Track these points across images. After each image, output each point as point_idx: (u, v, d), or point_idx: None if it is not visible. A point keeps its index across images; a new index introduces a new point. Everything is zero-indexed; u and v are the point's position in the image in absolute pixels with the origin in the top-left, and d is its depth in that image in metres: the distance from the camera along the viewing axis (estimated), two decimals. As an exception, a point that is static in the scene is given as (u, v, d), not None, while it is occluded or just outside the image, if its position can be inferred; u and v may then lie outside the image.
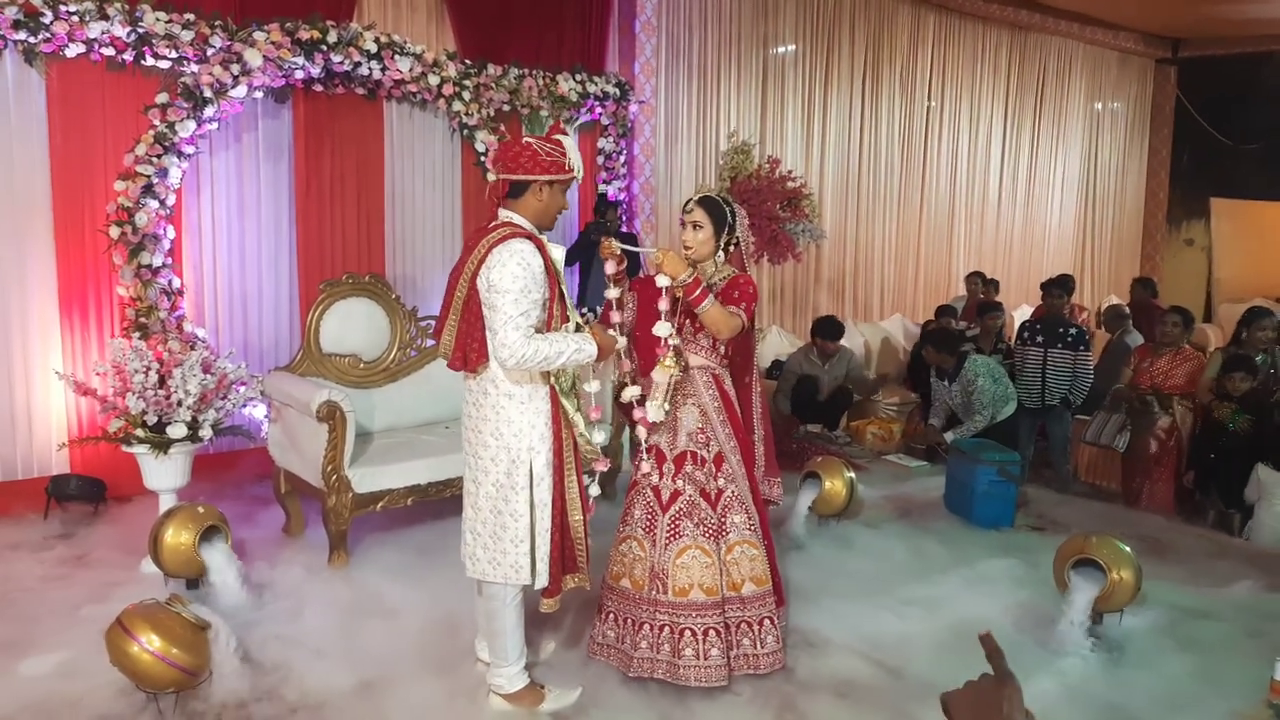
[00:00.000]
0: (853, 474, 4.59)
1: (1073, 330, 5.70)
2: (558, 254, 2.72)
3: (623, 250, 2.92)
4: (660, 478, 3.07)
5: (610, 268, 2.91)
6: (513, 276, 2.55)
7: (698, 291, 2.87)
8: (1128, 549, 3.54)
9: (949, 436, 5.45)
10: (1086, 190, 11.32)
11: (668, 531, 3.02)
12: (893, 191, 9.15)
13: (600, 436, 2.86)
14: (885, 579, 4.02)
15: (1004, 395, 5.51)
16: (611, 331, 2.88)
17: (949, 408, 5.71)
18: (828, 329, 6.50)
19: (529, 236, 2.64)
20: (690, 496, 3.03)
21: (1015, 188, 10.44)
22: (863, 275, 9.03)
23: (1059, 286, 6.02)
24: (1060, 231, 11.08)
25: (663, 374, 2.91)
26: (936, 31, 9.25)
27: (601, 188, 6.56)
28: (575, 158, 2.71)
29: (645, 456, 3.04)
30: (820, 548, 4.37)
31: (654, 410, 2.92)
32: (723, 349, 3.10)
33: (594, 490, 2.87)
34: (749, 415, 3.22)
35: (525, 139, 2.70)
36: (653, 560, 3.02)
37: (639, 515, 3.09)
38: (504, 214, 2.71)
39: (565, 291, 2.74)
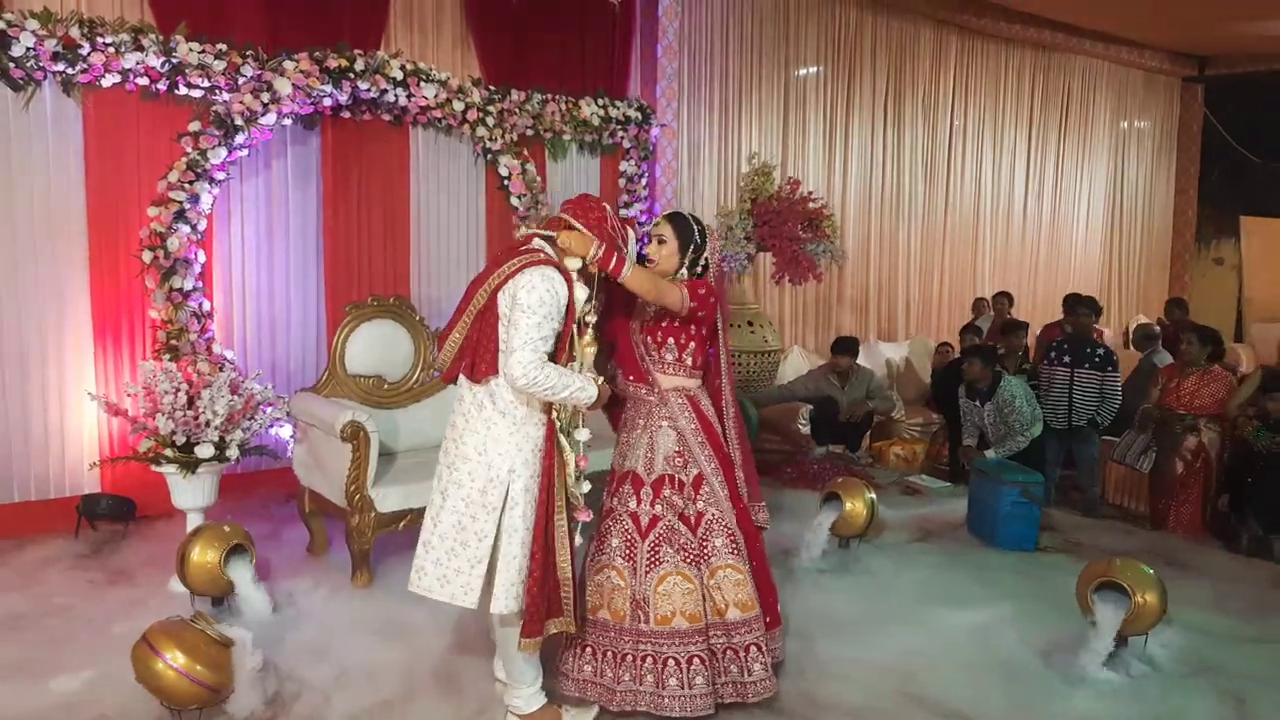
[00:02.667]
0: (874, 495, 4.57)
1: (1100, 350, 5.65)
2: (581, 294, 2.73)
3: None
4: (638, 504, 3.02)
5: (572, 264, 2.73)
6: (540, 300, 2.57)
7: (614, 260, 2.73)
8: (1152, 572, 3.49)
9: (989, 454, 5.40)
10: (1113, 209, 11.24)
11: (648, 558, 2.96)
12: (916, 211, 9.14)
13: (587, 486, 2.83)
14: (905, 601, 3.99)
15: (1033, 416, 5.47)
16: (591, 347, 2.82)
17: (979, 428, 5.67)
18: (839, 343, 6.56)
19: (561, 268, 2.67)
20: (669, 522, 2.97)
21: (1040, 207, 10.39)
22: (886, 295, 9.01)
23: (1087, 305, 5.96)
24: (1087, 251, 11.00)
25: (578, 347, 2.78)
26: (959, 52, 9.26)
27: (623, 212, 6.62)
28: (631, 250, 2.80)
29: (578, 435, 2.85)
30: (840, 569, 4.34)
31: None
32: (689, 360, 3.03)
33: (577, 540, 2.82)
34: (727, 438, 3.13)
35: (604, 203, 2.80)
36: (633, 589, 2.95)
37: (617, 544, 3.01)
38: (539, 242, 2.74)
39: (576, 332, 2.74)
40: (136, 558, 4.31)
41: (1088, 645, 3.38)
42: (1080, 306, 5.95)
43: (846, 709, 3.07)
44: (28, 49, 4.31)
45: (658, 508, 2.99)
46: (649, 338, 3.05)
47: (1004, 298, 8.31)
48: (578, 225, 2.73)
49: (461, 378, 2.75)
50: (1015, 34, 9.50)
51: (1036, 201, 10.33)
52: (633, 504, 3.02)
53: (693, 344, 3.04)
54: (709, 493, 3.02)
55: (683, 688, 2.86)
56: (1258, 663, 3.49)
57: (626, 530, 3.01)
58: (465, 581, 2.67)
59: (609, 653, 2.96)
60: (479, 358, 2.67)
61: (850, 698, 3.14)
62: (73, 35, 4.39)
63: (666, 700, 2.87)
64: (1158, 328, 8.05)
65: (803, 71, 8.05)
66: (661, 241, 3.01)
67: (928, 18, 8.85)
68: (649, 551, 2.96)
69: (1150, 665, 3.40)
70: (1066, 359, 5.67)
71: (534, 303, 2.56)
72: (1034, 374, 6.17)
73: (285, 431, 4.88)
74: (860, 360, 7.74)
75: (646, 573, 2.94)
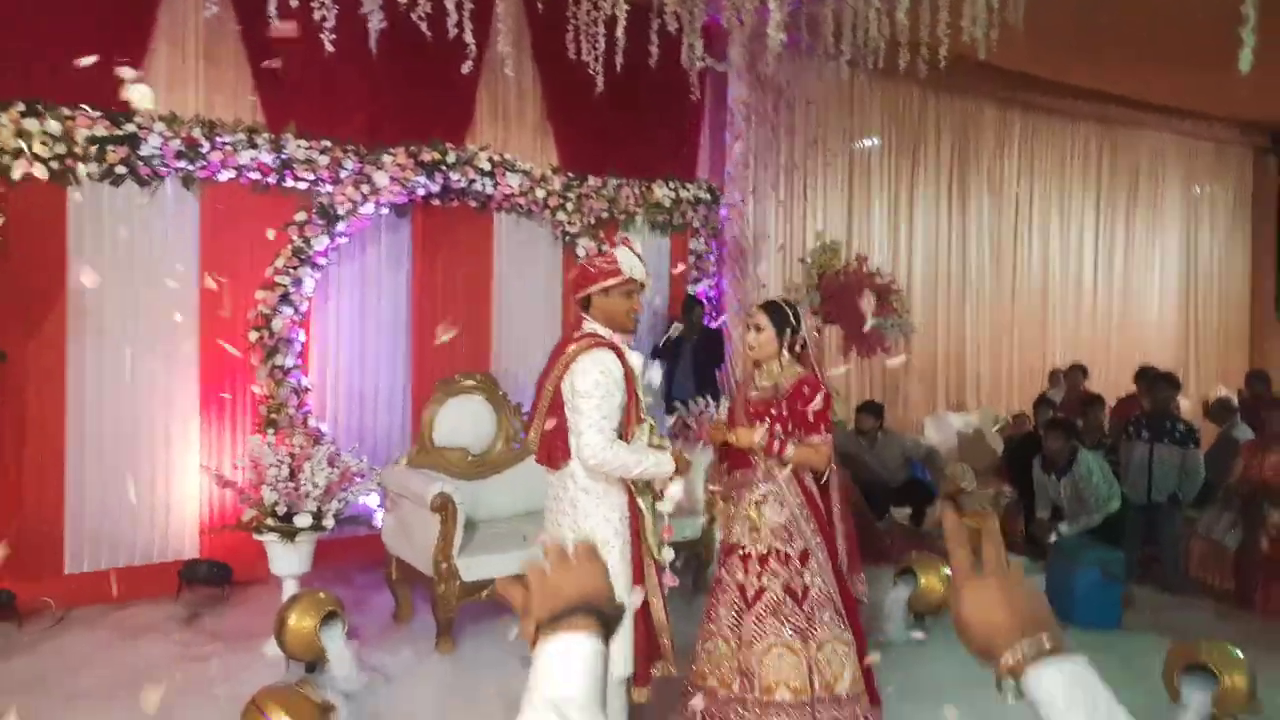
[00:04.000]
0: (949, 571, 4.55)
1: (1180, 426, 5.57)
2: (635, 360, 2.92)
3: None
4: (745, 575, 3.12)
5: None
6: (595, 383, 2.77)
7: (776, 445, 3.05)
8: (1240, 653, 3.43)
9: (1063, 528, 5.35)
10: (1188, 280, 11.05)
11: (753, 629, 3.05)
12: (984, 284, 9.17)
13: (670, 554, 2.99)
14: (980, 681, 3.92)
15: (1110, 493, 5.40)
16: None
17: (1053, 501, 5.61)
18: (863, 405, 6.73)
19: (610, 345, 2.87)
20: (776, 594, 3.06)
21: (1111, 278, 10.30)
22: (954, 367, 9.00)
23: (1166, 381, 5.89)
24: (1161, 322, 10.81)
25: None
26: (1023, 129, 9.38)
27: (691, 287, 6.84)
28: (627, 262, 2.90)
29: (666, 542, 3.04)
30: (915, 647, 4.33)
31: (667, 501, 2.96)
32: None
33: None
34: (830, 512, 3.24)
35: (581, 260, 2.98)
36: (739, 658, 3.05)
37: (723, 613, 3.13)
38: (586, 325, 2.96)
39: (640, 396, 2.93)
40: (233, 622, 4.52)
41: (1176, 729, 3.33)
42: (1160, 382, 5.88)
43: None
44: (155, 149, 4.75)
45: (764, 579, 3.09)
46: (756, 421, 3.16)
47: (1078, 371, 8.21)
48: (606, 283, 2.86)
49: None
50: (1079, 110, 9.58)
51: (1107, 274, 10.25)
52: (740, 575, 3.13)
53: (800, 430, 3.15)
54: (815, 567, 3.10)
55: None
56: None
57: (733, 601, 3.13)
58: None
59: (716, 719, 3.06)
60: (554, 448, 2.89)
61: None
62: (195, 135, 4.83)
63: None
64: (1236, 400, 7.85)
65: (866, 143, 8.24)
66: (759, 329, 3.17)
67: (990, 96, 9.01)
68: (754, 623, 3.06)
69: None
70: (1145, 434, 5.61)
71: (590, 386, 2.77)
72: (1113, 449, 6.09)
73: (372, 500, 5.10)
74: (929, 432, 7.72)
75: (752, 643, 3.04)
